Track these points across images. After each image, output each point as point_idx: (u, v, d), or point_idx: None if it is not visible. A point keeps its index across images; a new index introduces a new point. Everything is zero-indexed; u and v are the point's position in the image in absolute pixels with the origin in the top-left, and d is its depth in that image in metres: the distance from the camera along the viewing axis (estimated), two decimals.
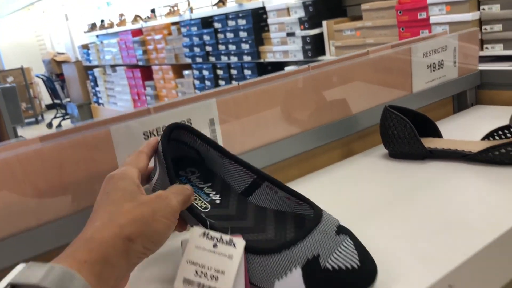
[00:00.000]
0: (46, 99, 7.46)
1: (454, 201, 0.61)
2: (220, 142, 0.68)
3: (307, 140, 0.79)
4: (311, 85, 0.79)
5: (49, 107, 7.77)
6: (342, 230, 0.47)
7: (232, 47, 3.61)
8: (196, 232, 0.46)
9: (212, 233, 0.46)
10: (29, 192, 0.55)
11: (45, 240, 0.56)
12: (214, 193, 0.55)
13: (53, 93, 6.91)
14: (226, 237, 0.46)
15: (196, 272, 0.44)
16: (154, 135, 0.62)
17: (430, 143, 0.77)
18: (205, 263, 0.45)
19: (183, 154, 0.57)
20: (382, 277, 0.47)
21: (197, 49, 3.97)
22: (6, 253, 0.54)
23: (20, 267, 0.35)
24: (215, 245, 0.45)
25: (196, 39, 3.94)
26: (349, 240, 0.45)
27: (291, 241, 0.45)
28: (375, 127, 0.85)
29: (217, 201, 0.54)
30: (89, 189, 0.58)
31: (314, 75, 0.79)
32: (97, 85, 6.07)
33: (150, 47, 4.66)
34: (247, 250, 0.45)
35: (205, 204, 0.54)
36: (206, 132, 0.67)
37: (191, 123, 0.65)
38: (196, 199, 0.54)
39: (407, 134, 0.75)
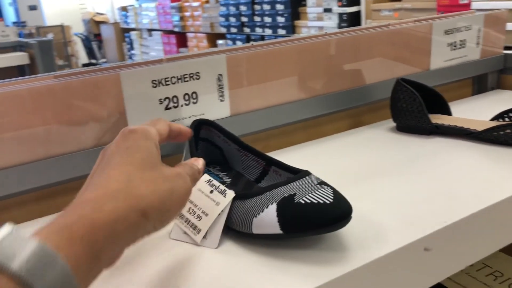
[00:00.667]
0: (83, 58, 7.61)
1: (449, 175, 0.62)
2: (226, 99, 0.70)
3: (316, 106, 0.80)
4: (325, 51, 0.80)
5: (85, 66, 7.91)
6: (324, 183, 0.48)
7: (267, 19, 3.60)
8: (203, 177, 0.51)
9: (214, 182, 0.51)
10: (39, 125, 0.58)
11: (52, 172, 0.60)
12: (227, 177, 0.60)
13: (90, 52, 7.04)
14: (222, 187, 0.50)
15: (189, 209, 0.51)
16: (162, 84, 0.64)
17: (437, 119, 0.77)
18: (198, 204, 0.51)
19: (208, 153, 0.63)
20: (359, 234, 0.48)
21: (232, 19, 3.97)
22: (14, 180, 0.58)
23: (3, 231, 0.29)
24: (211, 191, 0.51)
25: (232, 9, 3.93)
26: (328, 187, 0.47)
27: (275, 185, 0.48)
28: (387, 101, 0.85)
29: (228, 182, 0.59)
30: (95, 129, 0.61)
31: (330, 41, 0.80)
32: (132, 48, 6.15)
33: (187, 13, 4.67)
34: (236, 197, 0.50)
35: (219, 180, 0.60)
36: (213, 88, 0.69)
37: (199, 76, 0.67)
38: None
39: (415, 108, 0.75)
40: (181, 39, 4.96)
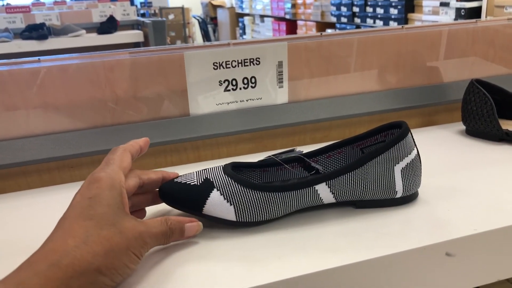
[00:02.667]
0: (199, 39, 7.98)
1: (506, 184, 0.58)
2: (285, 85, 0.72)
3: (385, 99, 0.79)
4: (395, 44, 0.77)
5: None
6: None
7: (379, 11, 3.49)
8: None
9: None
10: (108, 95, 0.65)
11: (116, 138, 0.66)
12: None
13: (205, 34, 7.37)
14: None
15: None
16: (223, 67, 0.68)
17: (510, 125, 0.72)
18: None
19: None
20: (391, 224, 0.48)
21: (344, 8, 3.91)
22: (84, 141, 0.65)
23: None
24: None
25: None
26: None
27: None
28: None
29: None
30: (158, 103, 0.67)
31: (407, 34, 0.77)
32: (244, 33, 6.33)
33: (299, 1, 4.69)
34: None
35: None
36: (273, 73, 0.71)
37: (259, 62, 0.69)
38: None
39: (485, 111, 0.71)
40: (291, 27, 4.99)
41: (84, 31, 2.69)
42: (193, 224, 0.47)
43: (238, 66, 0.69)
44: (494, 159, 0.66)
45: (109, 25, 2.76)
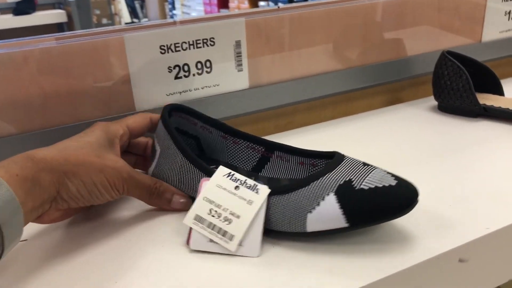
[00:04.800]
0: (126, 17, 7.61)
1: (496, 168, 0.53)
2: (245, 68, 0.63)
3: (347, 79, 0.72)
4: (359, 17, 0.70)
5: (128, 25, 7.90)
6: (371, 165, 0.43)
7: None
8: (221, 171, 0.43)
9: (238, 175, 0.42)
10: (35, 93, 0.53)
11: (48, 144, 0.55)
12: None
13: (132, 11, 7.02)
14: (251, 182, 0.42)
15: (211, 211, 0.41)
16: (172, 50, 0.58)
17: (486, 99, 0.67)
18: (222, 203, 0.41)
19: None
20: (392, 238, 0.41)
21: None
22: (9, 151, 0.53)
23: None
24: (237, 187, 0.42)
25: None
26: (379, 168, 0.42)
27: (319, 173, 0.41)
28: (431, 75, 0.75)
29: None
30: (97, 99, 0.56)
31: (366, 5, 0.70)
32: (174, 8, 6.08)
33: None
34: (272, 193, 0.41)
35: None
36: (231, 55, 0.61)
37: (214, 42, 0.60)
38: None
39: (461, 86, 0.66)
40: (223, 0, 4.84)
41: None
42: (182, 199, 0.47)
43: (190, 49, 0.59)
44: (477, 137, 0.61)
45: (27, 5, 2.50)
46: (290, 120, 0.70)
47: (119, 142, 0.47)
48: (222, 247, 0.40)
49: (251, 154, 0.51)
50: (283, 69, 0.66)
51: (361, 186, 0.39)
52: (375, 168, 0.42)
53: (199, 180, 0.44)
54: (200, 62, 0.60)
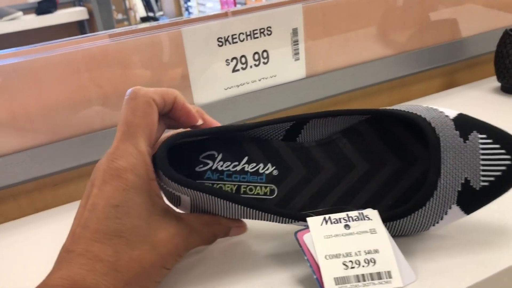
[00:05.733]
0: (141, 11, 7.62)
1: None
2: (302, 57, 0.60)
3: (403, 64, 0.69)
4: (417, 0, 0.67)
5: (143, 19, 7.91)
6: (462, 125, 0.37)
7: None
8: (313, 223, 0.36)
9: (333, 216, 0.36)
10: (94, 91, 0.51)
11: (109, 144, 0.53)
12: (261, 165, 0.41)
13: (147, 5, 7.02)
14: (354, 213, 0.36)
15: (346, 265, 0.35)
16: (229, 42, 0.55)
17: None
18: (349, 250, 0.35)
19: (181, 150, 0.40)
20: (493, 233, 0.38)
21: None
22: (72, 153, 0.52)
23: None
24: (346, 226, 0.36)
25: None
26: (479, 136, 0.36)
27: (429, 186, 0.36)
28: (488, 55, 0.72)
29: (274, 172, 0.40)
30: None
31: None
32: (189, 0, 6.05)
33: None
34: (384, 219, 0.36)
35: (264, 187, 0.40)
36: (288, 44, 0.59)
37: (271, 32, 0.57)
38: (251, 190, 0.40)
39: None
40: None
41: (21, 13, 2.43)
42: (240, 228, 0.40)
43: (247, 39, 0.56)
44: None
45: (48, 4, 2.50)
46: (346, 107, 0.68)
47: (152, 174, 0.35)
48: None
49: (278, 126, 0.41)
50: (339, 56, 0.64)
51: (481, 184, 0.35)
52: (474, 137, 0.36)
53: (250, 212, 0.37)
54: (257, 53, 0.57)
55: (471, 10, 0.73)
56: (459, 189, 0.36)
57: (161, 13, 6.87)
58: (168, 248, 0.34)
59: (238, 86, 0.58)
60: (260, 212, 0.37)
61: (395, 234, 0.38)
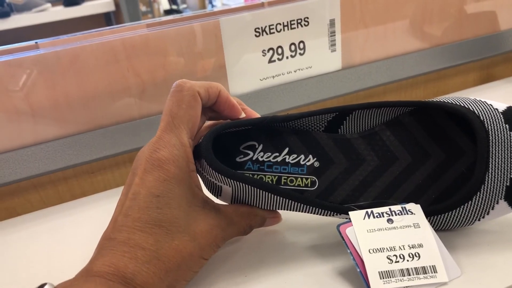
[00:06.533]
0: (164, 4, 7.65)
1: None
2: (338, 48, 0.60)
3: (439, 57, 0.68)
4: None
5: (167, 12, 7.95)
6: (508, 114, 0.36)
7: None
8: (356, 217, 0.36)
9: (376, 210, 0.36)
10: (132, 80, 0.52)
11: (146, 134, 0.54)
12: (302, 157, 0.40)
13: None
14: (396, 207, 0.36)
15: (390, 259, 0.34)
16: (266, 33, 0.55)
17: None
18: (392, 244, 0.35)
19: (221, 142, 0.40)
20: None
21: None
22: (110, 142, 0.52)
23: None
24: (389, 220, 0.36)
25: None
26: None
27: (477, 180, 0.35)
28: None
29: (316, 164, 0.40)
30: None
31: None
32: None
33: None
34: (428, 213, 0.36)
35: (304, 179, 0.40)
36: (325, 35, 0.58)
37: (308, 22, 0.57)
38: (292, 182, 0.40)
39: None
40: None
41: (49, 4, 2.46)
42: (276, 219, 0.40)
43: (284, 30, 0.56)
44: None
45: None
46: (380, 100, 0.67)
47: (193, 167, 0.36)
48: (432, 283, 0.33)
49: (320, 118, 0.40)
50: (375, 48, 0.63)
51: None
52: None
53: (290, 204, 0.37)
54: (293, 43, 0.57)
55: (510, 2, 0.71)
56: (508, 184, 0.35)
57: (184, 6, 6.90)
58: (207, 239, 0.34)
59: (273, 77, 0.57)
60: (301, 204, 0.37)
61: (439, 229, 0.37)
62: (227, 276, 0.37)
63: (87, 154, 0.52)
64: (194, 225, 0.34)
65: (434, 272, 0.33)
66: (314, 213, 0.37)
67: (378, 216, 0.36)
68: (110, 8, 2.59)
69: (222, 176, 0.36)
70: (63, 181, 0.54)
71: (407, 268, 0.33)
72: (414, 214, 0.36)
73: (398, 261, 0.34)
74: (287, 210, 0.38)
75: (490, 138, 0.35)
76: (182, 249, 0.33)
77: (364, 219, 0.36)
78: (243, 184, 0.36)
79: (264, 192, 0.36)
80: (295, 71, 0.58)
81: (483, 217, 0.36)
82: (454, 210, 0.36)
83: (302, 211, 0.37)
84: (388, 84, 0.65)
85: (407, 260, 0.34)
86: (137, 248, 0.31)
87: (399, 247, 0.34)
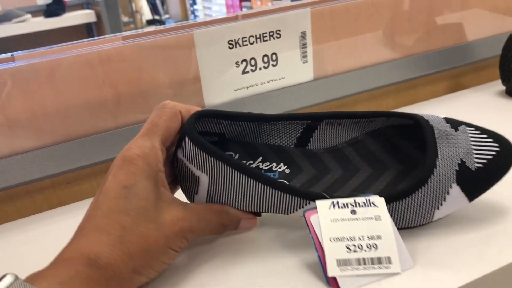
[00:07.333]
0: (147, 14, 7.65)
1: None
2: (310, 60, 0.62)
3: (409, 67, 0.70)
4: (424, 4, 0.68)
5: (149, 22, 7.94)
6: (451, 121, 0.41)
7: None
8: (322, 205, 0.38)
9: (341, 200, 0.38)
10: (108, 93, 0.53)
11: (122, 144, 0.54)
12: (274, 164, 0.44)
13: (153, 8, 7.06)
14: (361, 199, 0.38)
15: (348, 248, 0.36)
16: (239, 45, 0.57)
17: None
18: (353, 234, 0.37)
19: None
20: (493, 232, 0.40)
21: None
22: (86, 152, 0.53)
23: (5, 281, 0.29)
24: (353, 211, 0.38)
25: None
26: (468, 128, 0.40)
27: (429, 165, 0.38)
28: (494, 59, 0.73)
29: (286, 171, 0.43)
30: (168, 96, 0.55)
31: None
32: (195, 3, 6.08)
33: None
34: (388, 200, 0.38)
35: None
36: (296, 47, 0.60)
37: (280, 35, 0.59)
38: None
39: None
40: None
41: (29, 15, 2.45)
42: (250, 221, 0.41)
43: (257, 42, 0.58)
44: None
45: (56, 7, 2.52)
46: (352, 110, 0.69)
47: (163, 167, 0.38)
48: (383, 273, 0.36)
49: (292, 127, 0.44)
50: (347, 59, 0.65)
51: (475, 165, 0.38)
52: (464, 128, 0.40)
53: (281, 200, 0.39)
54: (266, 55, 0.59)
55: (478, 14, 0.74)
56: (457, 168, 0.38)
57: (167, 16, 6.91)
58: (173, 230, 0.36)
59: (247, 87, 0.59)
60: (274, 197, 0.38)
61: (400, 217, 0.39)
62: (193, 275, 0.38)
63: (64, 164, 0.53)
64: (161, 217, 0.36)
65: (389, 263, 0.35)
66: (284, 211, 0.39)
67: (343, 206, 0.38)
68: (91, 19, 2.59)
69: (203, 156, 0.37)
70: (39, 191, 0.54)
71: (364, 258, 0.35)
72: (377, 207, 0.38)
73: (356, 251, 0.36)
74: (259, 209, 0.40)
75: (435, 131, 0.39)
76: (147, 236, 0.34)
77: (329, 208, 0.38)
78: (221, 166, 0.38)
79: (239, 184, 0.38)
80: (268, 82, 0.60)
81: (441, 205, 0.38)
82: (412, 195, 0.38)
83: (273, 210, 0.39)
84: (359, 93, 0.67)
85: (365, 250, 0.36)
86: (103, 233, 0.33)
87: (359, 237, 0.36)
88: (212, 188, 0.39)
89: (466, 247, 0.38)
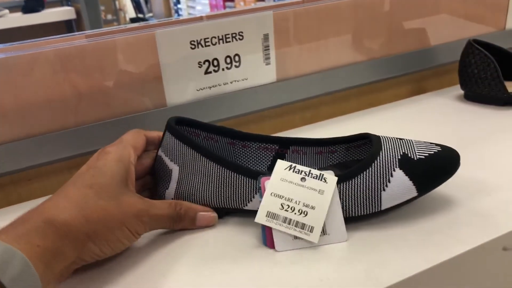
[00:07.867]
0: (131, 12, 7.59)
1: None
2: (273, 62, 0.63)
3: (372, 70, 0.72)
4: (387, 8, 0.70)
5: (133, 20, 7.89)
6: (402, 138, 0.46)
7: None
8: (281, 165, 0.42)
9: (300, 167, 0.42)
10: (69, 91, 0.53)
11: (83, 141, 0.55)
12: None
13: (137, 6, 7.01)
14: (316, 172, 0.41)
15: (282, 206, 0.40)
16: (202, 46, 0.58)
17: None
18: (292, 197, 0.40)
19: None
20: (434, 229, 0.41)
21: None
22: (47, 149, 0.54)
23: None
24: (303, 179, 0.41)
25: None
26: (413, 140, 0.46)
27: (370, 156, 0.42)
28: (455, 64, 0.75)
29: None
30: (128, 95, 0.56)
31: None
32: (179, 2, 6.07)
33: None
34: (339, 180, 0.41)
35: None
36: (259, 49, 0.61)
37: (242, 37, 0.60)
38: None
39: (489, 74, 0.65)
40: None
41: (7, 10, 2.43)
42: (207, 214, 0.44)
43: (219, 43, 0.59)
44: (505, 126, 0.61)
45: (35, 3, 2.50)
46: (315, 112, 0.71)
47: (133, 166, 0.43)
48: (304, 241, 0.39)
49: (264, 154, 0.49)
50: (309, 62, 0.66)
51: (418, 157, 0.42)
52: (411, 140, 0.45)
53: (243, 186, 0.42)
54: (229, 56, 0.60)
55: (440, 20, 0.77)
56: (399, 157, 0.42)
57: (150, 14, 6.87)
58: (131, 210, 0.39)
59: (210, 87, 0.60)
60: (235, 181, 0.42)
61: (349, 197, 0.41)
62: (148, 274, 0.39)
63: (23, 161, 0.53)
64: (122, 197, 0.39)
65: (310, 232, 0.39)
66: (244, 197, 0.42)
67: (297, 172, 0.41)
68: (71, 16, 2.58)
69: (178, 145, 0.44)
70: None
71: (291, 219, 0.39)
72: (327, 183, 0.41)
73: (287, 210, 0.40)
74: (221, 199, 0.43)
75: (381, 138, 0.45)
76: (105, 208, 0.38)
77: (285, 169, 0.41)
78: (191, 153, 0.43)
79: (205, 166, 0.43)
80: (231, 83, 0.61)
81: (387, 186, 0.41)
82: (359, 175, 0.41)
83: (234, 199, 0.43)
84: (322, 96, 0.68)
85: (295, 213, 0.40)
86: (66, 199, 0.37)
87: (296, 201, 0.40)
88: (181, 178, 0.43)
89: (407, 245, 0.40)
